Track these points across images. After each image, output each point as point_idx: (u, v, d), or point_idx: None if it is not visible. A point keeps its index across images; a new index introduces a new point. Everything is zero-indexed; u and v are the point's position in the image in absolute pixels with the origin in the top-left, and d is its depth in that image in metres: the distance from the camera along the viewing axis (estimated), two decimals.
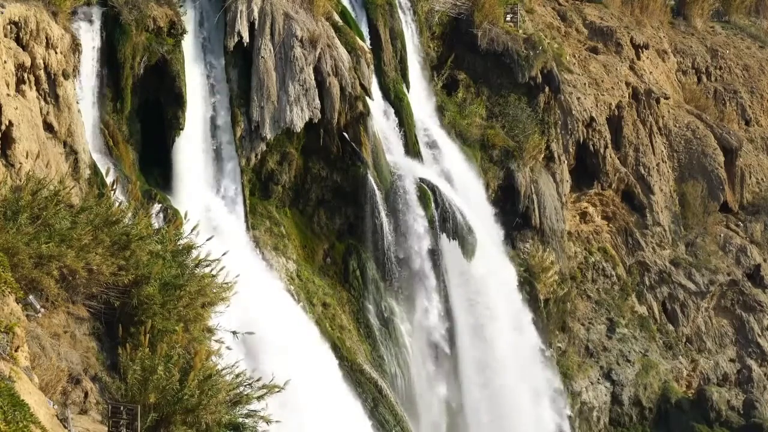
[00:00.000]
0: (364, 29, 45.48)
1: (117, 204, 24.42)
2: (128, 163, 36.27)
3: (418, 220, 43.07)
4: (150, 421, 19.99)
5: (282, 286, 39.78)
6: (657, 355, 55.84)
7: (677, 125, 62.56)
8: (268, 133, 39.86)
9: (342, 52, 41.76)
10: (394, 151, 44.59)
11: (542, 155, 51.44)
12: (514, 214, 49.94)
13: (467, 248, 44.57)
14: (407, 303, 43.50)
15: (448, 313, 44.47)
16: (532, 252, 50.08)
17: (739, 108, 67.86)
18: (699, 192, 60.68)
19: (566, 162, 54.02)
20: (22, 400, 15.84)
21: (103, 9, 36.10)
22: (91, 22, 35.58)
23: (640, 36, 63.37)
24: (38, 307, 20.62)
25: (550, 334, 51.36)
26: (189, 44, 38.56)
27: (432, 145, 47.26)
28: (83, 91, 34.64)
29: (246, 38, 39.43)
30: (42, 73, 31.34)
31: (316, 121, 40.72)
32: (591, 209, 57.06)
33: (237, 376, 21.87)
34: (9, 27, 30.13)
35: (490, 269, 46.28)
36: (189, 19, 38.80)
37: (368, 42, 45.00)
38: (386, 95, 45.57)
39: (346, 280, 42.50)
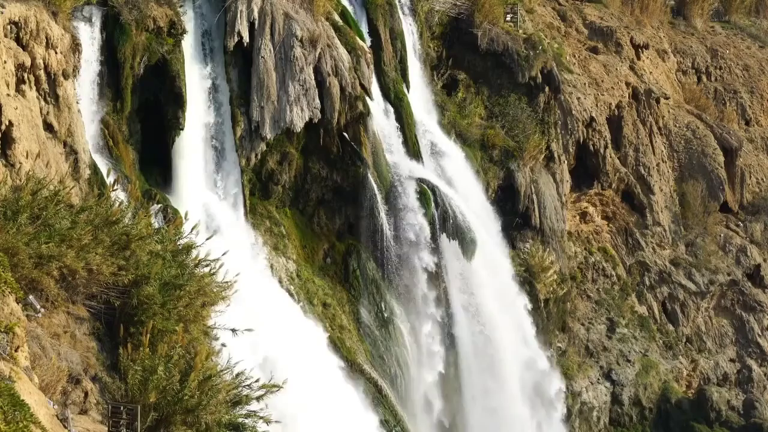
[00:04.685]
0: (364, 29, 45.49)
1: (117, 204, 24.39)
2: (128, 163, 36.27)
3: (418, 220, 43.07)
4: (150, 421, 19.98)
5: (282, 286, 39.79)
6: (657, 355, 55.84)
7: (677, 125, 62.57)
8: (268, 133, 39.87)
9: (342, 52, 41.77)
10: (394, 151, 44.60)
11: (542, 155, 51.45)
12: (514, 214, 49.95)
13: (467, 248, 44.58)
14: (407, 303, 43.50)
15: (448, 313, 44.48)
16: (532, 252, 50.08)
17: (739, 108, 67.87)
18: (699, 192, 60.68)
19: (566, 162, 54.03)
20: (22, 400, 15.83)
21: (103, 9, 36.08)
22: (91, 22, 35.56)
23: (640, 36, 63.38)
24: (38, 307, 20.60)
25: (550, 334, 51.36)
26: (189, 44, 38.56)
27: (432, 144, 47.27)
28: (83, 91, 34.63)
29: (246, 38, 39.44)
30: (42, 73, 31.32)
31: (316, 121, 40.72)
32: (591, 209, 57.07)
33: (237, 375, 21.86)
34: (9, 27, 30.13)
35: (489, 269, 46.29)
36: (189, 19, 38.80)
37: (368, 42, 45.00)
38: (386, 95, 45.58)
39: (346, 280, 42.51)
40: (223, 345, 24.30)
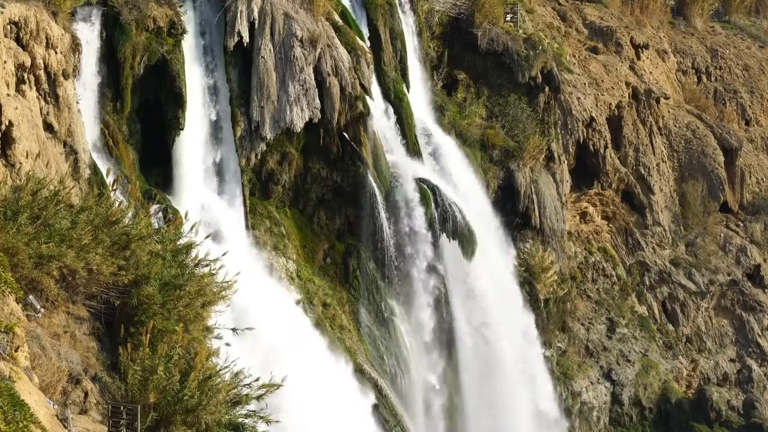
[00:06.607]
0: (364, 29, 45.48)
1: (117, 204, 24.39)
2: (128, 163, 36.27)
3: (418, 220, 43.07)
4: (150, 421, 19.98)
5: (282, 285, 39.79)
6: (657, 355, 55.85)
7: (677, 125, 62.58)
8: (268, 133, 39.87)
9: (342, 52, 41.77)
10: (394, 151, 44.61)
11: (542, 155, 51.45)
12: (514, 214, 49.95)
13: (467, 248, 44.58)
14: (407, 303, 43.50)
15: (448, 313, 44.48)
16: (532, 252, 50.08)
17: (739, 108, 67.88)
18: (699, 192, 60.69)
19: (566, 162, 54.03)
20: (22, 400, 15.84)
21: (103, 9, 36.11)
22: (91, 22, 35.59)
23: (640, 36, 63.39)
24: (38, 307, 20.59)
25: (550, 334, 51.37)
26: (189, 44, 38.57)
27: (432, 145, 47.27)
28: (83, 91, 34.64)
29: (246, 38, 39.44)
30: (42, 73, 31.33)
31: (316, 121, 40.72)
32: (591, 209, 57.07)
33: (236, 375, 21.83)
34: (9, 27, 30.14)
35: (489, 269, 46.29)
36: (189, 19, 38.81)
37: (368, 42, 45.00)
38: (386, 95, 45.57)
39: (346, 280, 42.51)
40: (228, 344, 24.27)
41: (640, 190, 58.10)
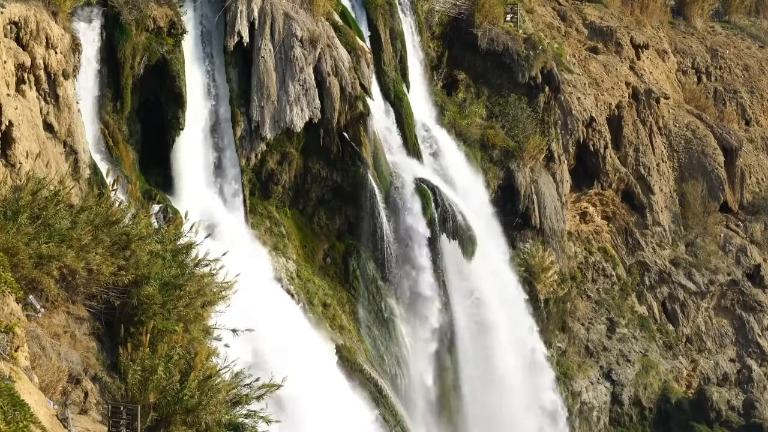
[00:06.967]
0: (364, 29, 45.49)
1: (117, 204, 24.38)
2: (128, 163, 36.27)
3: (418, 220, 43.08)
4: (150, 421, 19.98)
5: (282, 286, 39.78)
6: (657, 355, 55.85)
7: (677, 125, 62.58)
8: (268, 133, 39.88)
9: (342, 52, 41.77)
10: (394, 151, 44.61)
11: (542, 155, 51.45)
12: (514, 214, 49.95)
13: (467, 248, 44.58)
14: (407, 303, 43.50)
15: (447, 313, 44.48)
16: (532, 252, 50.08)
17: (739, 108, 67.89)
18: (699, 192, 60.70)
19: (566, 162, 54.03)
20: (22, 400, 15.84)
21: (103, 9, 36.10)
22: (91, 22, 35.59)
23: (640, 36, 63.39)
24: (38, 307, 20.59)
25: (550, 334, 51.36)
26: (189, 44, 38.56)
27: (432, 144, 47.27)
28: (83, 91, 34.63)
29: (246, 38, 39.44)
30: (42, 73, 31.32)
31: (316, 121, 40.73)
32: (591, 209, 57.07)
33: (236, 375, 21.83)
34: (9, 27, 30.13)
35: (489, 269, 46.29)
36: (189, 19, 38.80)
37: (368, 42, 45.00)
38: (386, 95, 45.58)
39: (346, 280, 42.52)
40: (227, 346, 24.25)
41: (640, 190, 58.10)
